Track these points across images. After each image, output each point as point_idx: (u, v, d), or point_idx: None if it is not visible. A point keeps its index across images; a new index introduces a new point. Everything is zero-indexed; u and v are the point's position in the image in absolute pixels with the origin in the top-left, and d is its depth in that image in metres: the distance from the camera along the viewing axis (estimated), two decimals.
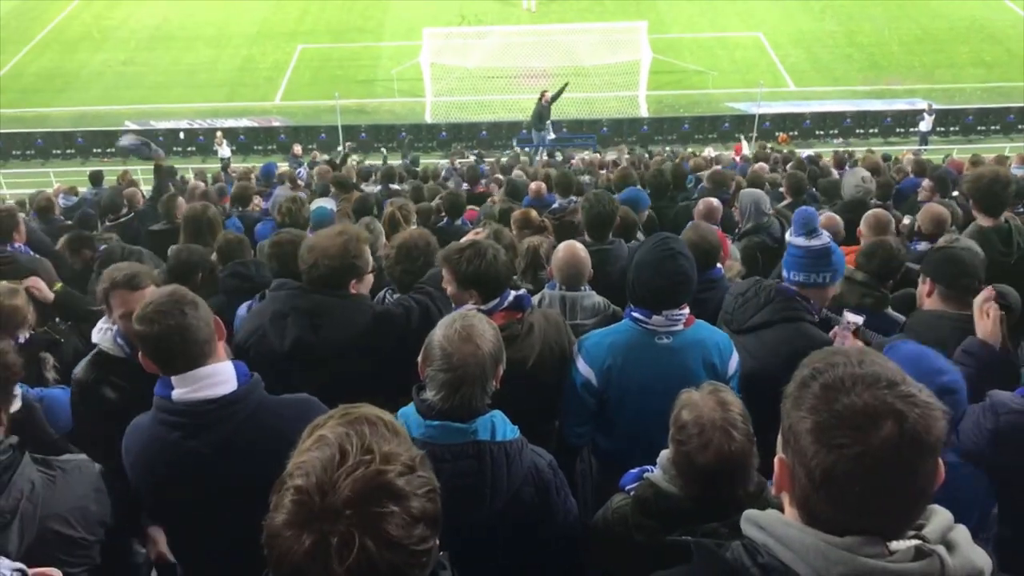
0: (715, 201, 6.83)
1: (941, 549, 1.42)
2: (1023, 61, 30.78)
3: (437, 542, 1.47)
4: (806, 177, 9.81)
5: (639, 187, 8.23)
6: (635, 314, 3.45)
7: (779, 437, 1.56)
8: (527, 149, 24.81)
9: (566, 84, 23.98)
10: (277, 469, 1.70)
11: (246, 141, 27.86)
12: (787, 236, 4.47)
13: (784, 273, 3.92)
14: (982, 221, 5.38)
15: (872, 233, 5.57)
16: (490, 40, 29.83)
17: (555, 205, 8.25)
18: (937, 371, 2.75)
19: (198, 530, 2.77)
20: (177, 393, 2.64)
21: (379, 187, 11.88)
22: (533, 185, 9.56)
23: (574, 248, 4.38)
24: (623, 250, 5.43)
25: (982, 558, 1.46)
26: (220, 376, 2.67)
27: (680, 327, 3.40)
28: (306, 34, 34.44)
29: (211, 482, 2.61)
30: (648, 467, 2.73)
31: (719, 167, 12.91)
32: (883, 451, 1.39)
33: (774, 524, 1.52)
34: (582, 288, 4.34)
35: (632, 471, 2.80)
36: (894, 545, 1.43)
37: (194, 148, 27.51)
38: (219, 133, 26.20)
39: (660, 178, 9.01)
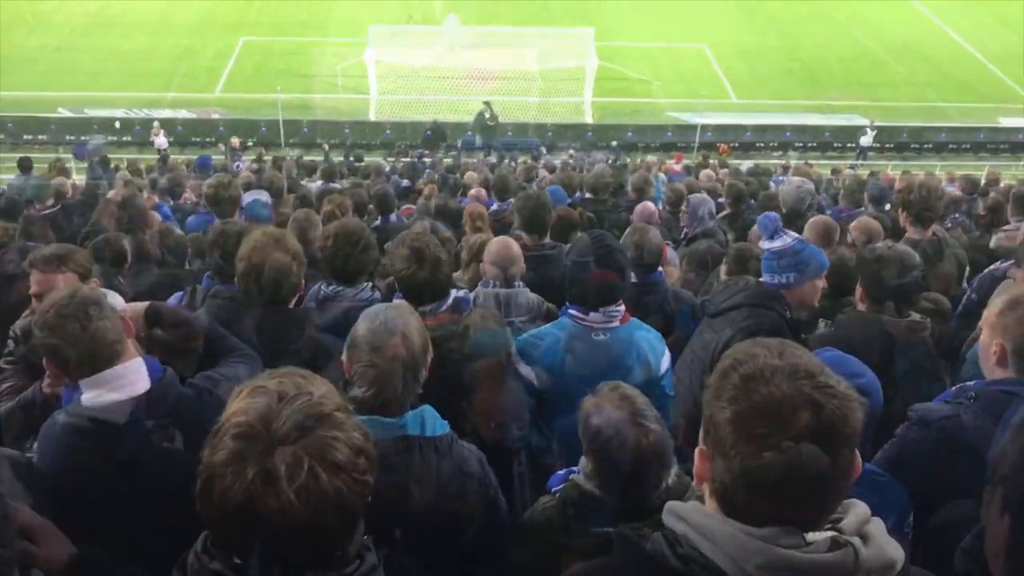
0: (651, 205, 6.92)
1: (856, 540, 1.43)
2: (956, 82, 31.80)
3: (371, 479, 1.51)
4: (745, 187, 9.91)
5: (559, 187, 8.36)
6: (572, 311, 3.47)
7: (700, 428, 1.55)
8: (474, 150, 24.83)
9: (487, 107, 24.17)
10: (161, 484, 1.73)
11: (184, 132, 27.26)
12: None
13: None
14: (912, 234, 5.43)
15: (819, 240, 5.61)
16: (436, 40, 29.75)
17: (493, 207, 8.26)
18: (853, 374, 2.76)
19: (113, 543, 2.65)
20: (87, 397, 2.53)
21: (320, 183, 11.78)
22: (473, 191, 9.61)
23: (507, 241, 4.42)
24: (563, 253, 5.44)
25: (896, 550, 1.47)
26: (131, 376, 2.57)
27: (616, 324, 3.43)
28: (250, 26, 33.91)
29: (129, 492, 2.49)
30: (574, 468, 2.72)
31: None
32: (804, 436, 1.39)
33: (694, 515, 1.52)
34: (516, 284, 4.32)
35: (559, 472, 2.82)
36: (811, 536, 1.43)
37: (130, 138, 26.75)
38: (156, 123, 25.49)
39: (599, 181, 9.06)
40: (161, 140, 24.87)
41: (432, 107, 28.72)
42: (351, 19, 33.45)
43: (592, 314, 3.43)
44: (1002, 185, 13.62)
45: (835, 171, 19.37)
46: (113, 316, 2.61)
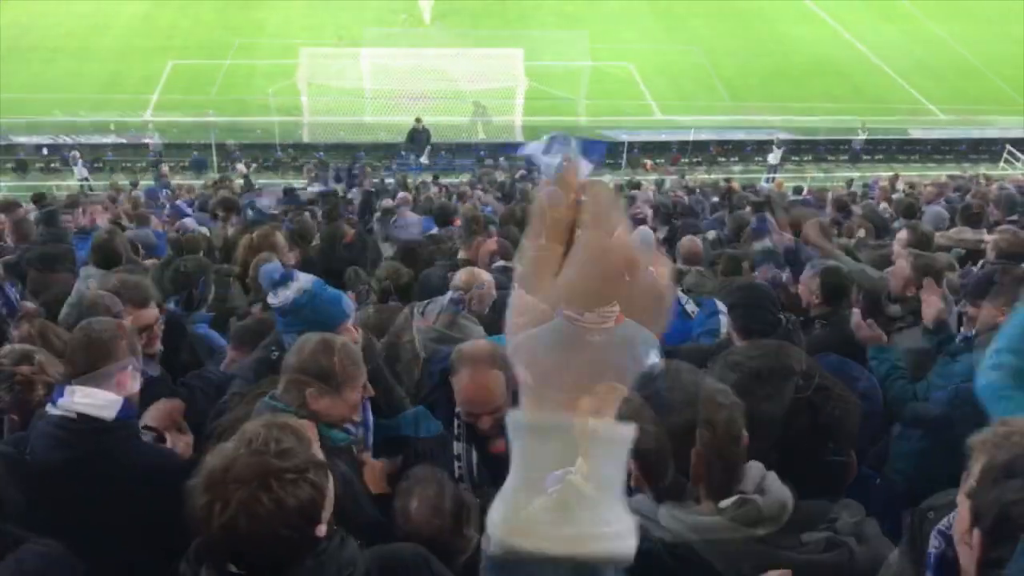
0: None
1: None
2: (868, 96, 33.22)
3: (320, 531, 1.88)
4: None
5: None
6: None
7: (697, 432, 1.86)
8: (409, 171, 25.05)
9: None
10: (112, 503, 2.46)
11: (114, 159, 26.96)
12: None
13: None
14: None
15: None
16: (368, 61, 29.95)
17: (433, 231, 8.63)
18: (853, 379, 3.09)
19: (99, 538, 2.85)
20: (63, 400, 2.80)
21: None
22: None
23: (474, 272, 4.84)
24: None
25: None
26: (121, 376, 2.85)
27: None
28: (177, 50, 33.61)
29: (115, 488, 2.76)
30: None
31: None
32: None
33: (641, 507, 1.86)
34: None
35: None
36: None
37: (57, 164, 26.37)
38: (75, 152, 24.83)
39: None
40: (81, 169, 24.39)
41: (365, 128, 28.91)
42: (281, 41, 33.43)
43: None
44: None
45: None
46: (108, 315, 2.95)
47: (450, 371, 3.15)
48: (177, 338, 3.72)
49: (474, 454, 3.20)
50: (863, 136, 27.45)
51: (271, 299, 3.26)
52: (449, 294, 4.38)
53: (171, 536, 2.92)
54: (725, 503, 1.79)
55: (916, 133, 30.87)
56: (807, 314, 4.73)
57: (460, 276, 4.74)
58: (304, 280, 3.22)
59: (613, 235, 0.78)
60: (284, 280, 3.20)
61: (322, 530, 1.88)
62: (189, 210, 10.98)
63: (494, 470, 3.14)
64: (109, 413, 2.80)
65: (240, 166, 23.97)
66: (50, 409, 2.81)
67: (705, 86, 33.82)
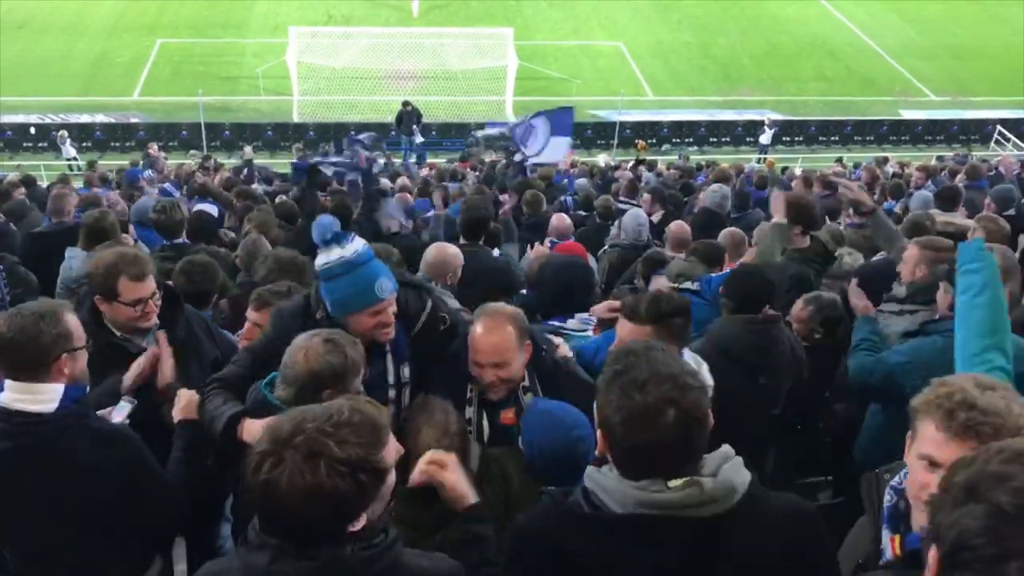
0: (566, 217, 7.39)
1: (704, 479, 1.97)
2: (860, 77, 33.21)
3: (359, 524, 1.97)
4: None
5: None
6: (552, 323, 4.03)
7: (595, 414, 2.11)
8: (398, 151, 25.00)
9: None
10: (63, 493, 2.58)
11: (103, 138, 26.81)
12: None
13: None
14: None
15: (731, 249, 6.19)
16: (358, 41, 29.81)
17: (430, 214, 8.64)
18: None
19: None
20: (2, 397, 2.81)
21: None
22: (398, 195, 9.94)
23: (443, 248, 4.89)
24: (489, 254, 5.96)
25: (741, 478, 2.01)
26: (36, 396, 2.81)
27: (590, 332, 3.97)
28: (166, 28, 33.37)
29: (7, 486, 2.78)
30: None
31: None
32: (669, 431, 1.94)
33: (598, 477, 2.08)
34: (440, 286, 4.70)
35: None
36: (672, 483, 1.97)
37: (46, 144, 26.11)
38: (62, 131, 24.63)
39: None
40: (68, 148, 24.29)
41: (355, 108, 28.81)
42: (270, 20, 33.28)
43: (570, 321, 3.97)
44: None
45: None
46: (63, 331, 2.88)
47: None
48: (173, 314, 3.73)
49: (485, 421, 3.26)
50: (770, 131, 27.29)
51: (317, 258, 3.20)
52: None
53: (124, 524, 2.95)
54: (675, 482, 1.96)
55: (907, 114, 30.89)
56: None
57: (430, 253, 4.88)
58: (351, 249, 3.11)
59: None
60: (332, 240, 3.13)
61: (356, 526, 1.96)
62: (177, 192, 10.87)
63: (502, 441, 3.19)
64: (50, 406, 2.79)
65: (248, 149, 23.85)
66: None
67: (697, 66, 33.75)
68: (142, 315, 3.54)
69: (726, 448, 2.08)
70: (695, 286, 5.01)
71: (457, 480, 2.59)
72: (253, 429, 2.78)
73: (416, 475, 2.61)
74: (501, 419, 3.23)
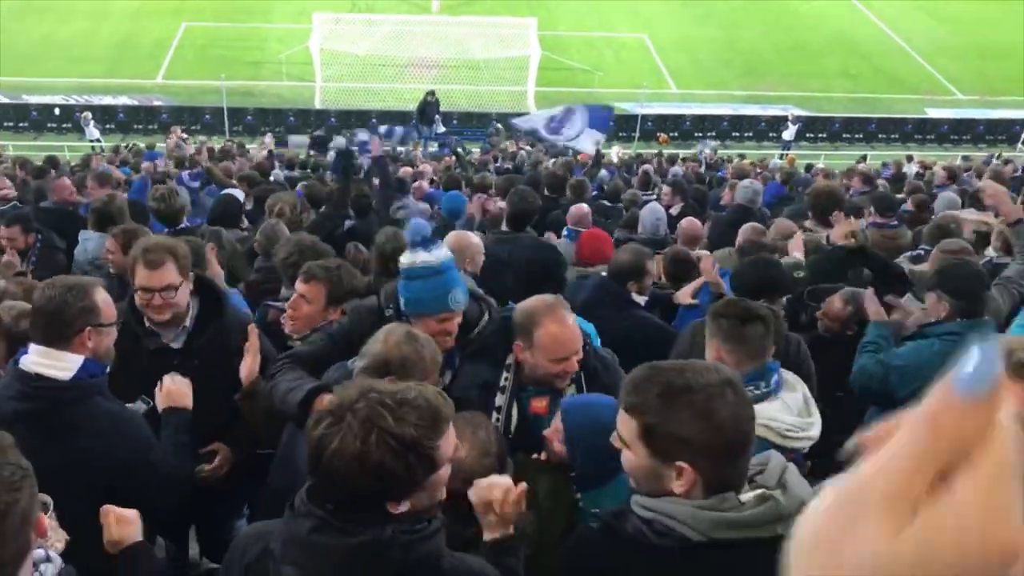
0: (585, 207, 7.32)
1: (777, 493, 1.86)
2: (886, 74, 32.91)
3: (400, 508, 1.93)
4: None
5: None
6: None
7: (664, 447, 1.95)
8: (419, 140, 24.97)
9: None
10: (62, 463, 2.51)
11: (126, 120, 26.98)
12: None
13: None
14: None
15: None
16: (381, 28, 29.81)
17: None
18: None
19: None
20: (25, 359, 2.90)
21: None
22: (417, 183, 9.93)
23: (463, 235, 4.97)
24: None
25: (808, 492, 1.89)
26: (57, 363, 2.90)
27: None
28: (191, 12, 33.50)
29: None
30: None
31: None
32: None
33: (657, 503, 1.93)
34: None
35: None
36: (744, 497, 1.84)
37: (70, 125, 26.31)
38: (86, 113, 24.78)
39: (552, 179, 9.42)
40: (92, 130, 24.42)
41: (377, 95, 28.83)
42: (294, 6, 33.25)
43: None
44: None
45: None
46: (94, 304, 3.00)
47: (517, 330, 3.18)
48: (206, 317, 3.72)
49: (515, 410, 3.26)
50: (793, 127, 27.01)
51: (403, 256, 3.31)
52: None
53: (120, 500, 2.91)
54: (745, 497, 1.87)
55: (933, 113, 30.57)
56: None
57: (451, 239, 4.83)
58: (436, 256, 3.24)
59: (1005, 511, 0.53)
60: (423, 243, 3.26)
61: (397, 508, 1.93)
62: (195, 184, 10.80)
63: (529, 430, 3.18)
64: (66, 373, 2.89)
65: (268, 138, 23.94)
66: (20, 361, 2.92)
67: (721, 60, 33.53)
68: (149, 306, 3.49)
69: (773, 453, 2.01)
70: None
71: (506, 510, 2.47)
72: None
73: (473, 491, 2.52)
74: (532, 408, 3.22)
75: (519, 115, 28.15)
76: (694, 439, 1.85)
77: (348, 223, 7.37)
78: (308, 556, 1.87)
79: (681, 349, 3.95)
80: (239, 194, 8.43)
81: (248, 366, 3.49)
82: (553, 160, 15.29)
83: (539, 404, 3.20)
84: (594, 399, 2.97)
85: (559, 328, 3.10)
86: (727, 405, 1.86)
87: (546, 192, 8.83)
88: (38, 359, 2.89)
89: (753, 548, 1.80)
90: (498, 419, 3.19)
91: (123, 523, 2.57)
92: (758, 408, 2.93)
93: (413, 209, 8.18)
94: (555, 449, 2.75)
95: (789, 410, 2.98)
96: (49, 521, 2.34)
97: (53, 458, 2.70)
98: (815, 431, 2.97)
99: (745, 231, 6.22)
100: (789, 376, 3.19)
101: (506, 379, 3.27)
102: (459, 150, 19.28)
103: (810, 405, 3.07)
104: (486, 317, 3.50)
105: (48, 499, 2.39)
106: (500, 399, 3.25)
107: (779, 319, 3.89)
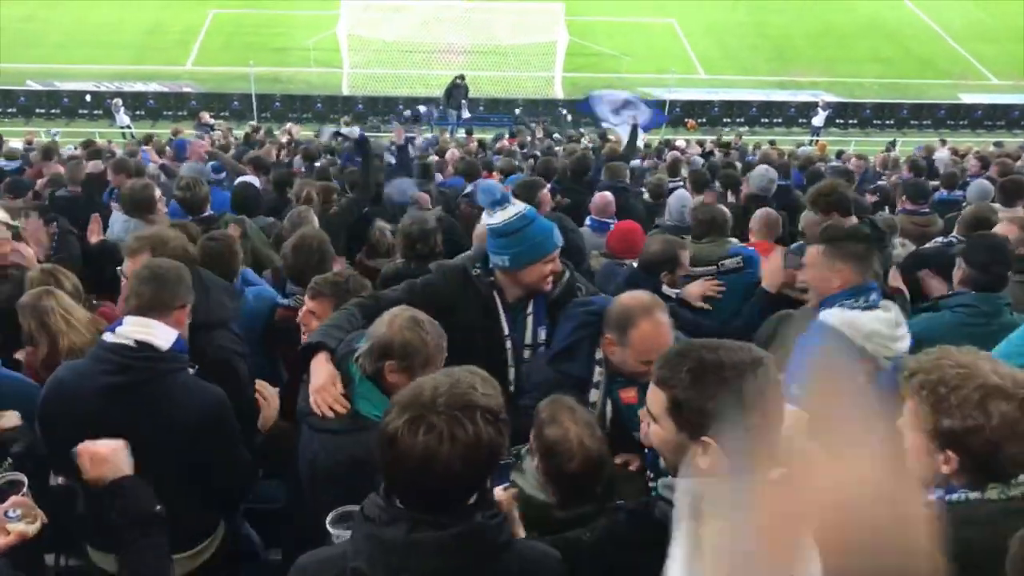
0: (608, 195, 7.23)
1: None
2: (918, 59, 32.42)
3: (488, 482, 1.98)
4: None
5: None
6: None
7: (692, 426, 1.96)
8: (445, 126, 24.99)
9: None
10: (157, 434, 2.65)
11: (155, 106, 27.20)
12: None
13: None
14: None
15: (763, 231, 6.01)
16: (408, 14, 29.78)
17: (468, 189, 8.59)
18: None
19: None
20: (121, 329, 2.98)
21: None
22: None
23: None
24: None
25: None
26: (159, 332, 3.01)
27: None
28: None
29: (108, 423, 2.76)
30: (508, 460, 2.97)
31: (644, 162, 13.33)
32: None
33: (687, 484, 1.85)
34: None
35: (501, 463, 3.13)
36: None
37: (101, 112, 26.56)
38: (116, 100, 24.99)
39: (580, 164, 9.35)
40: (122, 117, 24.64)
41: (405, 81, 28.84)
42: None
43: None
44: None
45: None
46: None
47: (611, 326, 3.16)
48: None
49: (609, 404, 3.27)
50: (823, 113, 26.64)
51: (487, 217, 3.41)
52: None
53: (202, 475, 3.05)
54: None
55: (967, 98, 30.09)
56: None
57: (479, 228, 4.82)
58: (521, 205, 3.39)
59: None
60: (502, 201, 3.36)
61: (489, 482, 1.99)
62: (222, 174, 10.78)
63: (624, 420, 3.19)
64: (165, 343, 2.98)
65: (290, 125, 23.97)
66: (108, 337, 2.98)
67: (750, 45, 33.18)
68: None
69: None
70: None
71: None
72: (319, 365, 2.95)
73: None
74: (623, 399, 3.22)
75: (545, 101, 28.21)
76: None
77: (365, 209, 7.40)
78: (410, 559, 1.85)
79: (761, 336, 3.91)
80: (255, 181, 8.49)
81: (266, 417, 3.50)
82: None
83: (628, 394, 3.19)
84: None
85: (654, 329, 3.08)
86: (755, 384, 1.87)
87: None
88: (137, 328, 2.97)
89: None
90: (590, 412, 3.16)
91: (98, 462, 2.50)
92: (858, 317, 3.29)
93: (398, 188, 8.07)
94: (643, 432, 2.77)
95: (885, 323, 3.33)
96: (24, 500, 2.38)
97: (148, 430, 2.82)
98: (904, 344, 3.33)
99: (758, 218, 6.15)
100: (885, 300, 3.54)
101: (600, 374, 3.26)
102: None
103: (900, 325, 3.40)
104: (567, 274, 3.57)
105: (22, 477, 2.44)
106: (594, 395, 3.26)
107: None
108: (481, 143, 18.01)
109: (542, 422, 2.83)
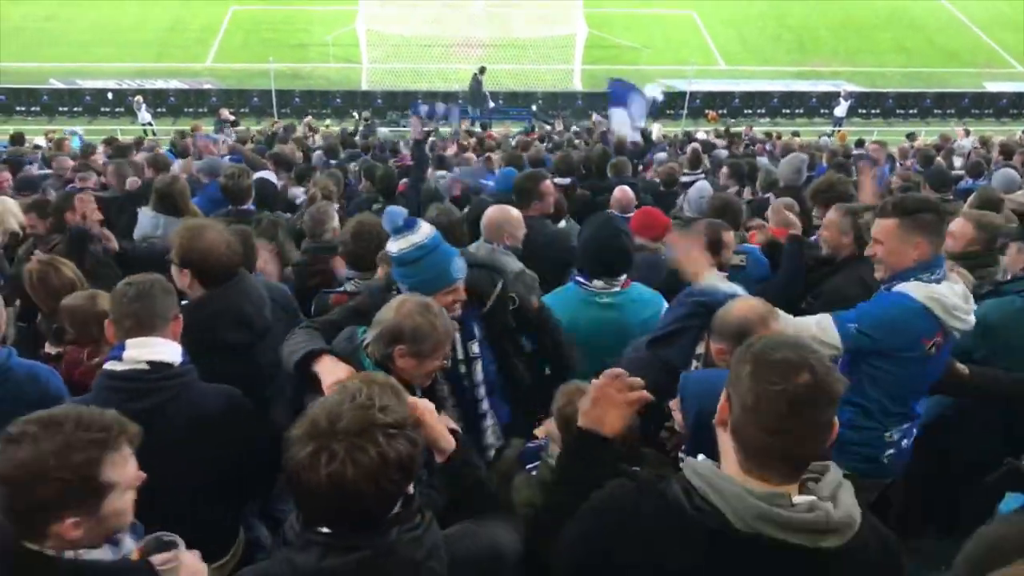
0: (628, 190, 7.19)
1: (828, 505, 1.80)
2: (942, 49, 32.04)
3: (410, 490, 1.93)
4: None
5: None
6: (578, 278, 3.97)
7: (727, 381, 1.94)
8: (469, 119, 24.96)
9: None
10: (191, 448, 2.50)
11: (176, 103, 27.38)
12: None
13: None
14: None
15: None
16: (426, 9, 29.78)
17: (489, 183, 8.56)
18: None
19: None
20: (128, 354, 2.82)
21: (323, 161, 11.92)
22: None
23: (503, 209, 4.84)
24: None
25: (857, 511, 1.85)
26: (167, 348, 2.90)
27: (618, 288, 3.91)
28: None
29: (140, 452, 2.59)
30: (540, 442, 3.05)
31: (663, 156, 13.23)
32: (799, 391, 1.78)
33: (710, 475, 1.89)
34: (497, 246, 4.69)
35: (529, 445, 3.14)
36: (796, 499, 1.80)
37: (123, 109, 26.78)
38: (138, 97, 25.23)
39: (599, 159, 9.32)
40: (144, 114, 24.81)
41: (423, 75, 28.84)
42: None
43: (595, 281, 3.91)
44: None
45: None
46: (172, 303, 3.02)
47: (724, 333, 3.05)
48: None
49: None
50: (845, 103, 26.39)
51: (389, 244, 3.26)
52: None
53: (242, 480, 3.03)
54: (798, 500, 1.82)
55: (992, 87, 29.72)
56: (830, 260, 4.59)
57: (489, 213, 4.82)
58: (422, 235, 3.19)
59: None
60: (403, 228, 3.21)
61: (411, 489, 1.95)
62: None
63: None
64: (176, 358, 2.89)
65: (309, 119, 24.04)
66: (114, 366, 2.83)
67: (771, 36, 32.92)
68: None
69: (832, 466, 1.93)
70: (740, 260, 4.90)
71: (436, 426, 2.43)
72: (327, 365, 2.85)
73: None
74: None
75: (564, 94, 28.11)
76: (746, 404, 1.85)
77: (375, 205, 7.39)
78: None
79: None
80: (271, 176, 8.51)
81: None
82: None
83: None
84: (712, 372, 2.96)
85: None
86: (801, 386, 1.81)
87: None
88: (143, 350, 2.84)
89: (792, 553, 1.78)
90: None
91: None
92: (940, 290, 3.31)
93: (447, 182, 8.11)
94: (676, 419, 2.76)
95: (962, 297, 3.36)
96: (175, 560, 2.24)
97: (181, 446, 2.75)
98: (971, 319, 3.38)
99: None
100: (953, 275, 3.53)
101: (695, 368, 3.22)
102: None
103: (969, 298, 3.43)
104: (499, 286, 3.47)
105: (177, 539, 2.26)
106: None
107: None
108: (480, 141, 17.89)
109: (560, 404, 2.86)
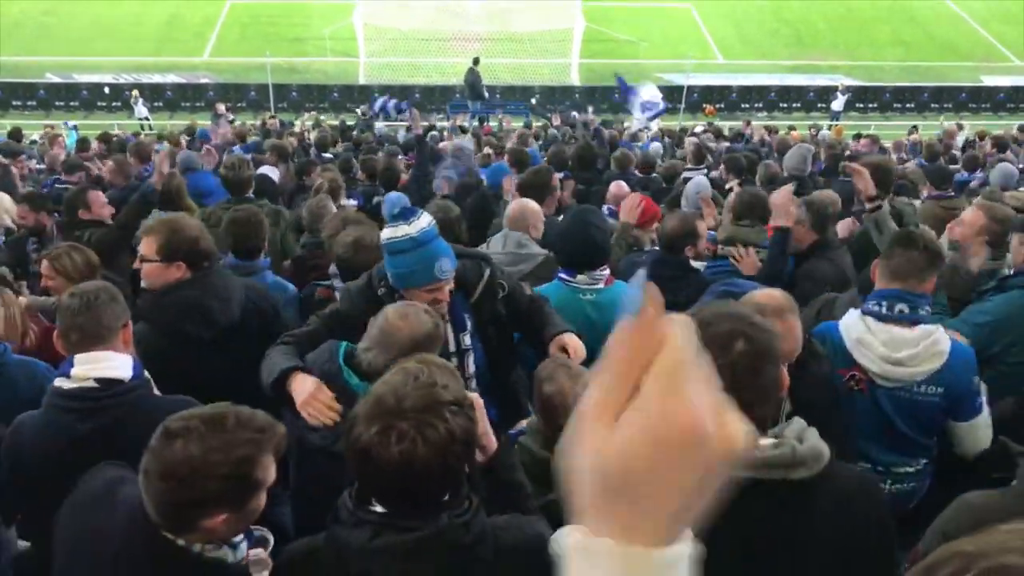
0: (623, 184, 7.19)
1: (793, 441, 1.93)
2: (940, 42, 32.04)
3: (467, 468, 1.99)
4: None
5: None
6: (562, 275, 3.97)
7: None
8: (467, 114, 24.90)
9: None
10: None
11: (173, 98, 27.33)
12: None
13: None
14: None
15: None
16: (423, 2, 29.73)
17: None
18: None
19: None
20: (75, 371, 2.71)
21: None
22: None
23: (524, 202, 4.91)
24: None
25: (825, 447, 1.98)
26: (116, 362, 2.78)
27: (601, 285, 3.90)
28: None
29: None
30: (521, 427, 3.08)
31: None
32: (740, 359, 1.87)
33: None
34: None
35: (512, 432, 3.13)
36: (762, 442, 1.92)
37: (119, 104, 26.78)
38: (135, 91, 25.10)
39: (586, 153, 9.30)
40: (140, 108, 24.73)
41: (421, 70, 28.80)
42: None
43: (579, 276, 3.91)
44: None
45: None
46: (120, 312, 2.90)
47: None
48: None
49: None
50: (843, 97, 26.42)
51: (384, 231, 3.23)
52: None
53: None
54: (764, 441, 1.92)
55: (989, 81, 29.71)
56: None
57: (512, 206, 4.87)
58: (416, 227, 3.13)
59: (681, 399, 0.66)
60: (400, 216, 3.18)
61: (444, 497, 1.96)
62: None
63: None
64: (126, 372, 2.78)
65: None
66: (63, 384, 2.73)
67: (769, 30, 32.90)
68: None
69: (798, 419, 2.04)
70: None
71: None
72: (297, 384, 2.83)
73: None
74: None
75: (562, 88, 28.08)
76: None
77: (377, 198, 7.38)
78: (372, 563, 1.86)
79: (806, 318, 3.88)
80: (271, 171, 8.51)
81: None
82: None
83: None
84: None
85: (787, 333, 2.97)
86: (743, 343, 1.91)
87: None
88: (91, 366, 2.73)
89: (754, 488, 1.82)
90: None
91: None
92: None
93: (449, 173, 8.11)
94: None
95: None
96: (265, 558, 2.23)
97: (135, 463, 2.64)
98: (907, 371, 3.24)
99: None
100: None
101: None
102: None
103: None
104: (486, 275, 3.43)
105: (269, 535, 2.25)
106: None
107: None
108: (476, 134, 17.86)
109: (541, 380, 2.87)
